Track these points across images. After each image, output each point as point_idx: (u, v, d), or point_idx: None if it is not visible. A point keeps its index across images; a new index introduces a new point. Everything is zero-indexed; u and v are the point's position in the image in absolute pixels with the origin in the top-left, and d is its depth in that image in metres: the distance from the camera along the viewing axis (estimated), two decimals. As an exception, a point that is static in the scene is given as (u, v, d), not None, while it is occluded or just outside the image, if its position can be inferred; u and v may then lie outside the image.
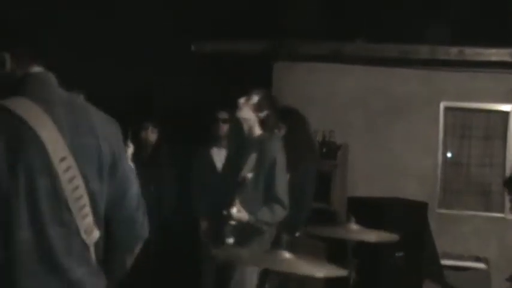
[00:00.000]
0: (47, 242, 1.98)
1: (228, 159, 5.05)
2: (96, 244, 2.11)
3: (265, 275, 4.39)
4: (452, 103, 7.40)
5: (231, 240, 4.31)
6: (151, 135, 5.96)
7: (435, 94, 7.38)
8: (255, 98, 4.48)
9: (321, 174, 6.17)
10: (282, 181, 4.46)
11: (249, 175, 4.30)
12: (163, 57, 7.21)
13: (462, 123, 7.49)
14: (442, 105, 7.40)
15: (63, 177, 2.00)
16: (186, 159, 6.03)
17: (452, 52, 7.08)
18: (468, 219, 7.29)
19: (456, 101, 7.38)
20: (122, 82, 6.86)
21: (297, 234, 5.41)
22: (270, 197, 4.39)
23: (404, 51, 7.17)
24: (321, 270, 3.23)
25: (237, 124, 4.66)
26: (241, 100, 4.48)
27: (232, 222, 4.28)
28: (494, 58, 7.02)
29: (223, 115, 5.85)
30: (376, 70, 7.48)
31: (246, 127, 4.52)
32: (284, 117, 5.52)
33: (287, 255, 3.16)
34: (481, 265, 6.77)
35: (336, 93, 7.57)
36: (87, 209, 2.06)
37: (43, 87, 2.09)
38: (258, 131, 4.55)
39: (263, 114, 4.48)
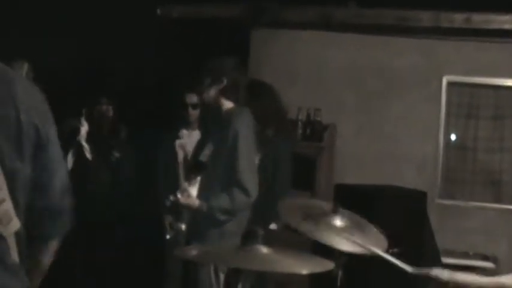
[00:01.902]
0: None
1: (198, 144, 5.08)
2: (17, 236, 2.00)
3: (235, 274, 4.39)
4: (457, 78, 7.36)
5: (182, 226, 4.34)
6: (106, 114, 5.90)
7: (437, 67, 7.34)
8: (212, 92, 4.57)
9: (304, 158, 6.16)
10: (246, 161, 4.42)
11: (207, 154, 4.39)
12: (123, 22, 7.10)
13: (468, 101, 7.46)
14: (444, 80, 7.36)
15: None
16: (149, 142, 5.96)
17: (458, 19, 7.04)
18: (474, 211, 7.28)
19: (461, 75, 7.34)
20: (76, 52, 6.76)
21: (273, 226, 5.39)
22: (231, 180, 4.37)
23: (402, 18, 7.11)
24: (305, 266, 3.18)
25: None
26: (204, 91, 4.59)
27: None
28: (506, 26, 6.99)
29: (193, 99, 5.78)
30: (370, 39, 7.43)
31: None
32: (248, 89, 5.53)
33: (263, 250, 3.11)
34: (488, 264, 6.78)
35: (323, 66, 7.51)
36: (4, 193, 1.95)
37: None
38: (228, 105, 4.61)
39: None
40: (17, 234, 2.01)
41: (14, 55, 5.44)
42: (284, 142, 5.74)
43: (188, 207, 4.37)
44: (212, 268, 4.44)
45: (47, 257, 2.26)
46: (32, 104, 2.08)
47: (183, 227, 4.45)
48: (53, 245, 2.26)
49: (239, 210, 4.47)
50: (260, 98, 5.46)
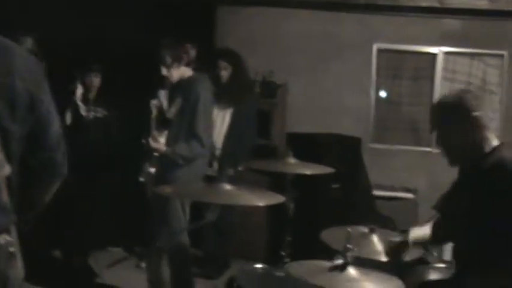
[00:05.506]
0: None
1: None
2: (8, 180, 2.02)
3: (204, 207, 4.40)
4: (385, 45, 7.37)
5: (152, 170, 4.36)
6: (95, 79, 5.84)
7: (369, 37, 7.34)
8: (175, 69, 4.53)
9: (261, 112, 6.14)
10: (203, 119, 4.47)
11: (173, 112, 4.36)
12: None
13: (394, 65, 7.48)
14: (375, 47, 7.36)
15: None
16: (132, 103, 5.86)
17: (387, -2, 7.05)
18: (399, 153, 7.35)
19: (389, 43, 7.35)
20: (72, 26, 6.58)
21: (240, 168, 5.40)
22: (190, 133, 4.41)
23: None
24: (261, 200, 3.19)
25: None
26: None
27: (155, 154, 4.36)
28: (423, 4, 7.00)
29: (164, 71, 5.69)
30: (316, 14, 7.39)
31: (174, 78, 4.57)
32: (227, 57, 5.54)
33: (228, 187, 3.10)
34: (409, 195, 6.86)
35: (277, 36, 7.47)
36: None
37: None
38: (187, 73, 4.59)
39: (181, 61, 4.54)
40: (7, 178, 2.02)
41: (17, 29, 5.28)
42: (252, 100, 5.79)
43: (156, 150, 4.36)
44: (179, 203, 4.46)
45: (48, 196, 2.31)
46: (28, 72, 2.06)
47: (153, 170, 4.43)
48: (53, 187, 2.31)
49: (195, 157, 4.48)
50: (239, 71, 5.51)
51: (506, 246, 2.60)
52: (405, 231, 3.24)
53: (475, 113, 2.80)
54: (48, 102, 2.13)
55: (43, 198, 2.28)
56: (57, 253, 6.01)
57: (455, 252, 3.01)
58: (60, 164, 2.22)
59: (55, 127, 2.18)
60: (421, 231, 3.16)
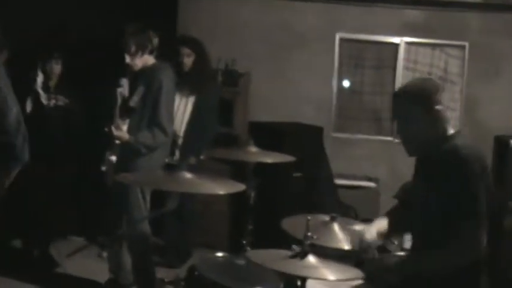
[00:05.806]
0: None
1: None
2: None
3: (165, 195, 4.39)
4: (348, 35, 7.40)
5: (113, 158, 4.34)
6: (56, 66, 5.77)
7: (332, 26, 7.36)
8: (138, 57, 4.49)
9: (224, 100, 6.14)
10: (166, 107, 4.45)
11: (136, 100, 4.34)
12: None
13: (356, 54, 7.51)
14: (337, 36, 7.39)
15: None
16: (93, 91, 5.81)
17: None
18: (360, 142, 7.41)
19: (351, 33, 7.38)
20: (34, 13, 6.48)
21: (202, 156, 5.40)
22: (153, 122, 4.39)
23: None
24: (222, 188, 3.19)
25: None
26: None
27: (117, 142, 4.34)
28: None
29: (127, 59, 5.65)
30: (277, 3, 7.38)
31: (137, 67, 4.53)
32: (190, 44, 5.53)
33: (188, 175, 3.09)
34: (371, 184, 6.93)
35: (239, 24, 7.45)
36: None
37: None
38: (150, 61, 4.56)
39: (145, 49, 4.49)
40: None
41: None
42: (214, 89, 5.79)
43: (119, 138, 4.33)
44: (139, 191, 4.44)
45: (7, 181, 2.34)
46: None
47: (114, 159, 4.40)
48: (12, 172, 2.30)
49: (158, 145, 4.47)
50: (202, 60, 5.50)
51: (459, 232, 2.65)
52: (367, 220, 3.26)
53: (438, 107, 2.83)
54: (5, 89, 2.12)
55: (1, 184, 2.26)
56: (17, 242, 5.95)
57: (412, 238, 3.07)
58: (19, 149, 2.21)
59: (14, 113, 2.16)
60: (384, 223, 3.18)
